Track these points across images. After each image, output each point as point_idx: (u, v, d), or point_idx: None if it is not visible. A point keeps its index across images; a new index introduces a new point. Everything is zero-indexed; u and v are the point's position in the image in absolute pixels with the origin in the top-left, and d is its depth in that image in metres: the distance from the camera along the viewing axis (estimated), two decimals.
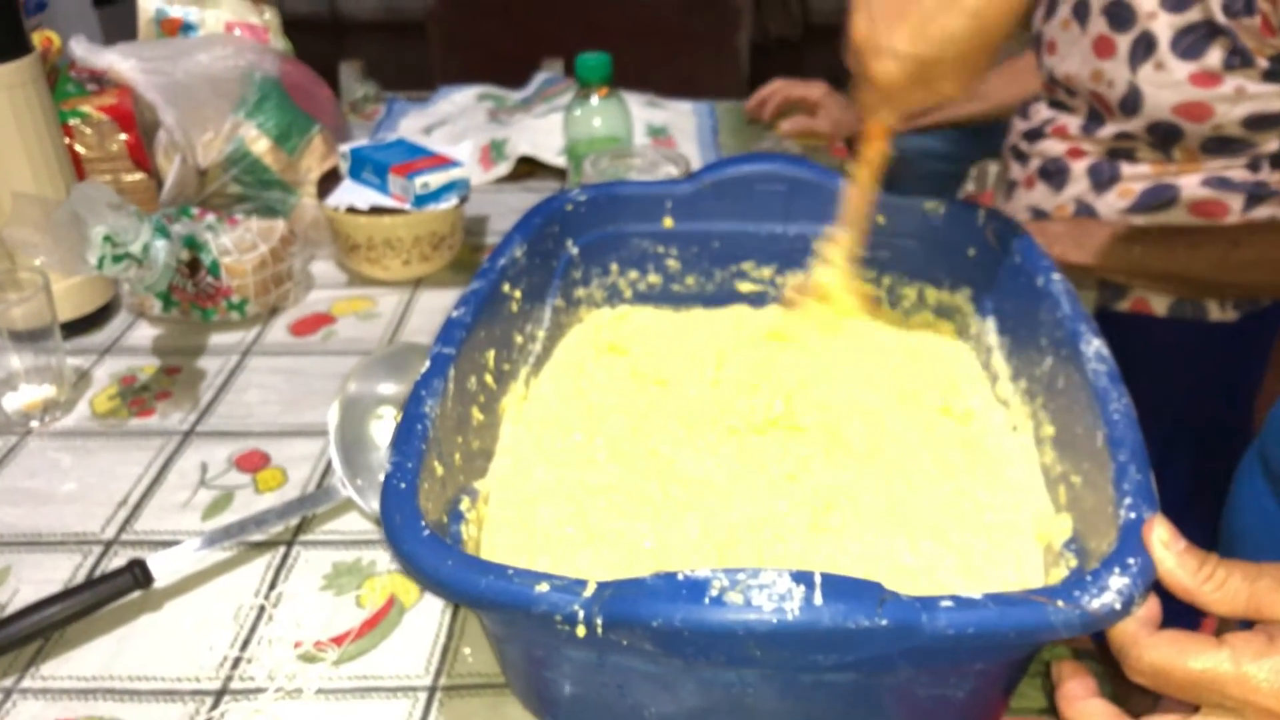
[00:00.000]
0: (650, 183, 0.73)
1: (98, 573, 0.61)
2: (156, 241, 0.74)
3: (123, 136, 0.93)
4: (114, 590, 0.56)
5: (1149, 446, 0.45)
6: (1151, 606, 0.39)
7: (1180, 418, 0.93)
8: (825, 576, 0.37)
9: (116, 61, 0.90)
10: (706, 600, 0.36)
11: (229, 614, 0.57)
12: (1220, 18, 0.81)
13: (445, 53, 2.60)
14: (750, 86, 1.33)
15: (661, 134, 1.23)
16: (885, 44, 0.53)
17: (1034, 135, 0.99)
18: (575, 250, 0.71)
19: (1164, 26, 0.84)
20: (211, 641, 0.56)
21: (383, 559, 0.61)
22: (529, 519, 0.55)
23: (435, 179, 0.89)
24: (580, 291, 0.72)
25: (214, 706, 0.52)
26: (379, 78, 1.42)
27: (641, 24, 2.51)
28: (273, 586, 0.59)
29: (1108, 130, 0.91)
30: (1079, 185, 0.95)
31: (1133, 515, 0.41)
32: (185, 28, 1.02)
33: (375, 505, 0.62)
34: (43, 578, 0.60)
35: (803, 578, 0.37)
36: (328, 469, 0.69)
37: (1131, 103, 0.87)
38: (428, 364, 0.52)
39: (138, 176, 0.94)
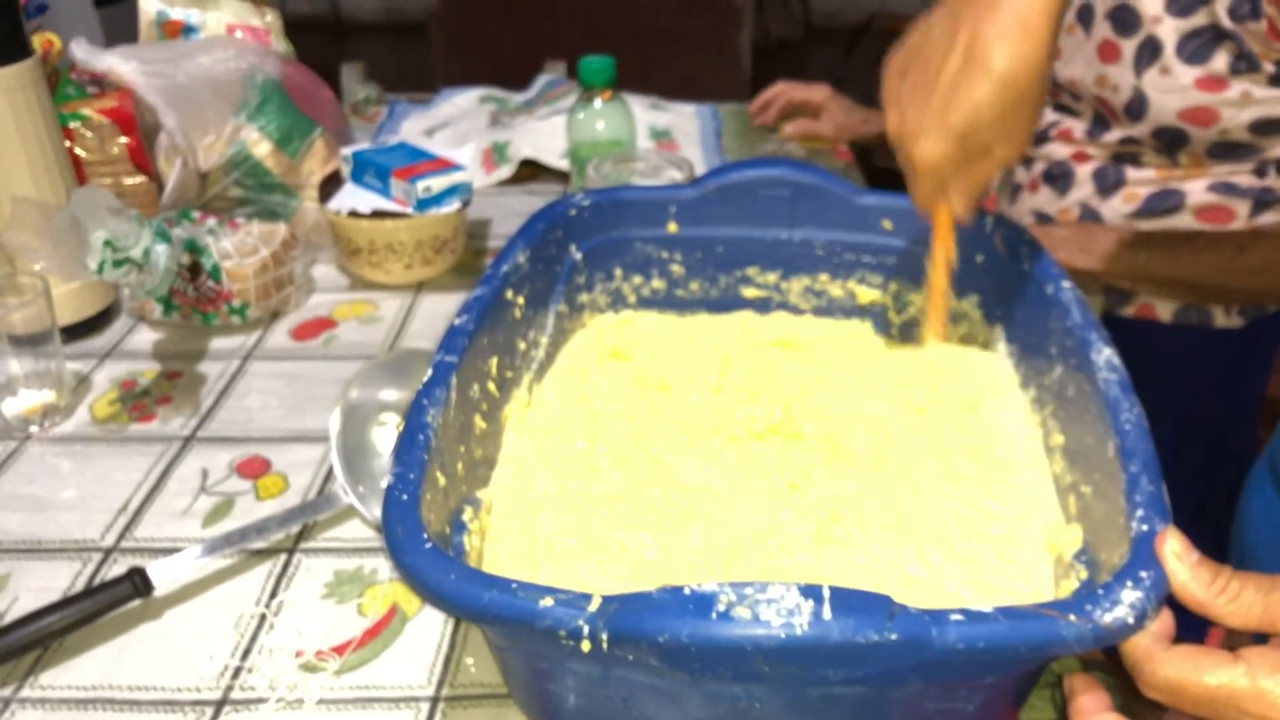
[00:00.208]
0: (654, 187, 0.72)
1: (97, 580, 0.60)
2: (157, 246, 0.73)
3: (123, 140, 0.92)
4: (114, 599, 0.55)
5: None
6: (1165, 620, 0.38)
7: (1185, 425, 0.93)
8: (834, 590, 0.36)
9: (117, 64, 0.90)
10: (713, 615, 0.36)
11: (229, 623, 0.57)
12: (1226, 22, 0.80)
13: (447, 54, 2.59)
14: (752, 87, 1.33)
15: (664, 137, 1.22)
16: (918, 127, 0.52)
17: (1038, 138, 0.99)
18: (579, 255, 0.70)
19: (1169, 31, 0.83)
20: (212, 651, 0.55)
21: (385, 567, 0.61)
22: (531, 529, 0.54)
23: (437, 183, 0.88)
24: (584, 297, 0.71)
25: (214, 717, 0.51)
26: (380, 79, 1.42)
27: (642, 25, 2.50)
28: (274, 595, 0.59)
29: (1113, 135, 0.91)
30: (1084, 189, 0.94)
31: (1145, 527, 0.40)
32: (186, 30, 1.02)
33: (377, 512, 0.62)
34: (42, 585, 0.60)
35: (811, 592, 0.36)
36: (329, 475, 0.68)
37: (1137, 108, 0.86)
38: (430, 372, 0.51)
39: (138, 180, 0.94)
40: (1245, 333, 0.94)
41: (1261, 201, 0.88)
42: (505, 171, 1.14)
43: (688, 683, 0.40)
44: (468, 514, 0.51)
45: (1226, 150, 0.86)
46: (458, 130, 1.24)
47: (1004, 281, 0.65)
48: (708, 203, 0.70)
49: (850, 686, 0.39)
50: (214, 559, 0.59)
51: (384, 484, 0.46)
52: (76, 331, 0.84)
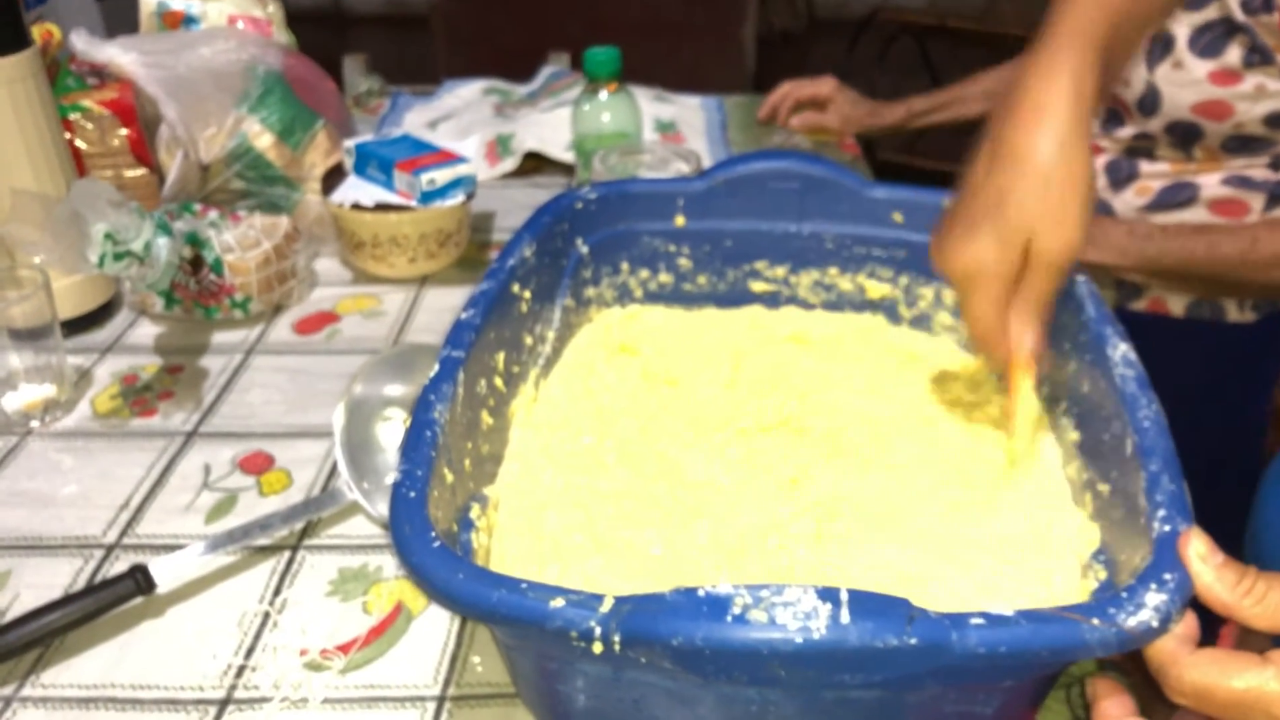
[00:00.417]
0: (662, 180, 0.71)
1: (99, 577, 0.59)
2: (158, 239, 0.72)
3: (124, 131, 0.91)
4: (115, 596, 0.54)
5: None
6: (1189, 623, 0.37)
7: (1197, 421, 0.92)
8: (852, 593, 0.35)
9: (117, 55, 0.89)
10: (728, 618, 0.35)
11: (233, 621, 0.56)
12: (1239, 15, 0.79)
13: (449, 46, 2.58)
14: (755, 80, 1.32)
15: (670, 129, 1.21)
16: (955, 235, 0.49)
17: None
18: (585, 249, 0.69)
19: (1181, 25, 0.82)
20: (215, 649, 0.54)
21: (390, 564, 0.60)
22: (538, 526, 0.53)
23: (441, 175, 0.87)
24: (590, 291, 0.71)
25: (218, 716, 0.51)
26: (383, 72, 1.41)
27: (646, 17, 2.49)
28: (277, 593, 0.58)
29: (1126, 131, 0.90)
30: (1096, 182, 0.93)
31: (1167, 528, 0.39)
32: (187, 21, 1.01)
33: (382, 509, 0.61)
34: (43, 583, 0.59)
35: (829, 594, 0.35)
36: (333, 471, 0.67)
37: (1150, 103, 0.86)
38: (436, 368, 0.51)
39: (139, 172, 0.93)
40: (1259, 327, 0.93)
41: (1276, 195, 0.87)
42: (509, 164, 1.13)
43: (700, 685, 0.40)
44: (475, 511, 0.50)
45: (1241, 144, 0.85)
46: (461, 122, 1.23)
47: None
48: (716, 195, 0.69)
49: (867, 690, 0.38)
50: (217, 556, 0.58)
51: (390, 480, 0.45)
52: (77, 325, 0.83)
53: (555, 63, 1.43)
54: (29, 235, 0.64)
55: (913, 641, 0.35)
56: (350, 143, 0.92)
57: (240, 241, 0.82)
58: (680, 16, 2.60)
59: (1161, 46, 0.84)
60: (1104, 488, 0.48)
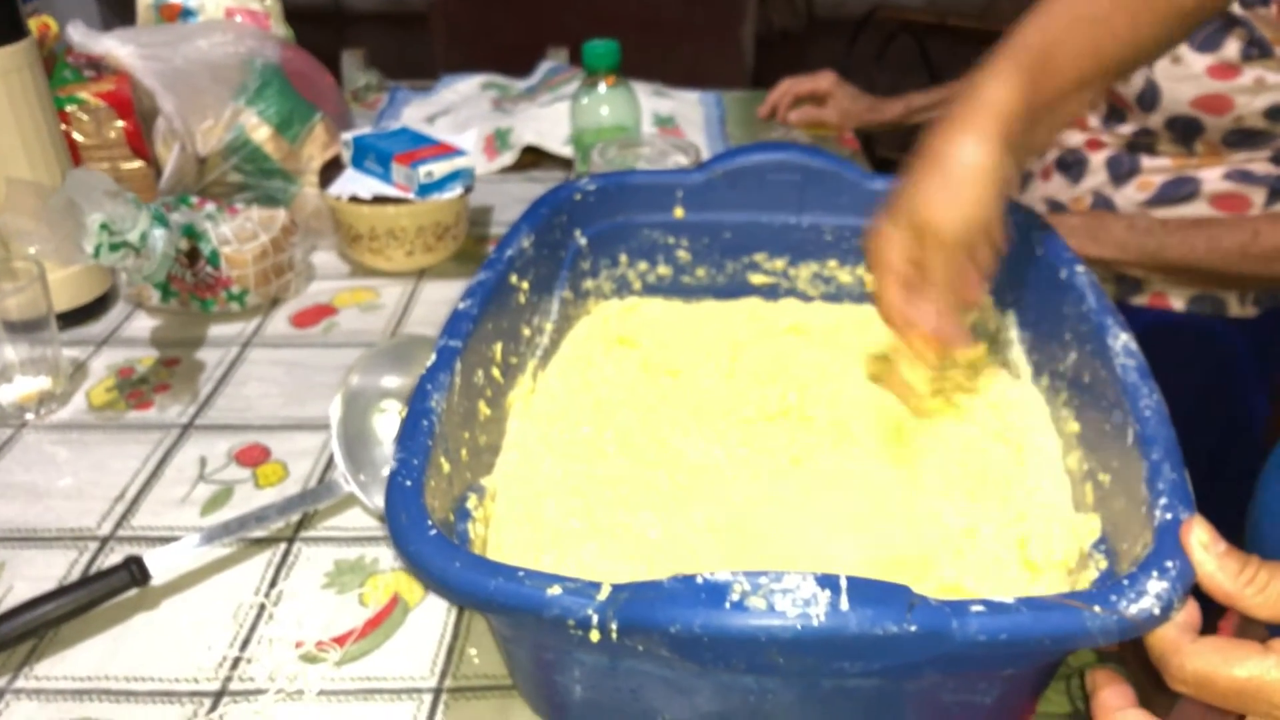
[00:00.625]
0: (661, 172, 0.71)
1: (93, 569, 0.59)
2: (155, 230, 0.72)
3: (120, 124, 0.91)
4: (110, 588, 0.54)
5: None
6: (1191, 611, 0.37)
7: (1198, 416, 0.92)
8: (851, 580, 0.35)
9: (114, 47, 0.88)
10: (727, 605, 0.35)
11: (228, 613, 0.56)
12: (1236, 8, 0.79)
13: (448, 44, 2.58)
14: (755, 79, 1.31)
15: (669, 124, 1.21)
16: (876, 228, 0.52)
17: None
18: (584, 241, 0.69)
19: None
20: (210, 641, 0.54)
21: (386, 556, 0.60)
22: (536, 515, 0.53)
23: (439, 168, 0.87)
24: (589, 283, 0.70)
25: (212, 708, 0.50)
26: (382, 69, 1.40)
27: (645, 14, 2.48)
28: (273, 584, 0.58)
29: (1127, 127, 0.90)
30: (1097, 177, 0.93)
31: (1169, 516, 0.39)
32: (184, 13, 1.01)
33: (378, 501, 0.61)
34: (37, 574, 0.59)
35: (828, 581, 0.35)
36: (329, 464, 0.67)
37: (1149, 98, 0.85)
38: (433, 358, 0.50)
39: (136, 164, 0.93)
40: (1260, 323, 0.92)
41: (1278, 189, 0.87)
42: (507, 158, 1.12)
43: (698, 674, 0.39)
44: (472, 502, 0.50)
45: (1242, 138, 0.85)
46: (459, 117, 1.23)
47: (1016, 267, 0.63)
48: (715, 187, 0.69)
49: (866, 679, 0.38)
50: (212, 548, 0.58)
51: (386, 471, 0.45)
52: (73, 318, 0.82)
53: (554, 58, 1.43)
54: (24, 225, 0.63)
55: (913, 629, 0.34)
56: (348, 135, 0.91)
57: (237, 234, 0.82)
58: (679, 14, 2.60)
59: None
60: (1105, 477, 0.48)
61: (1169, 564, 0.37)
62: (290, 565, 0.59)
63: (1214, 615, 0.40)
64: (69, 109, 0.89)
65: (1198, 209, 0.89)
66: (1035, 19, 0.52)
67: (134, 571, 0.55)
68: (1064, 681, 0.50)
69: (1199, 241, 0.86)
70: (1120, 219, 0.90)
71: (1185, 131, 0.86)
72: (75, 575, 0.59)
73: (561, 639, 0.39)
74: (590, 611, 0.36)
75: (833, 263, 0.71)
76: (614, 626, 0.36)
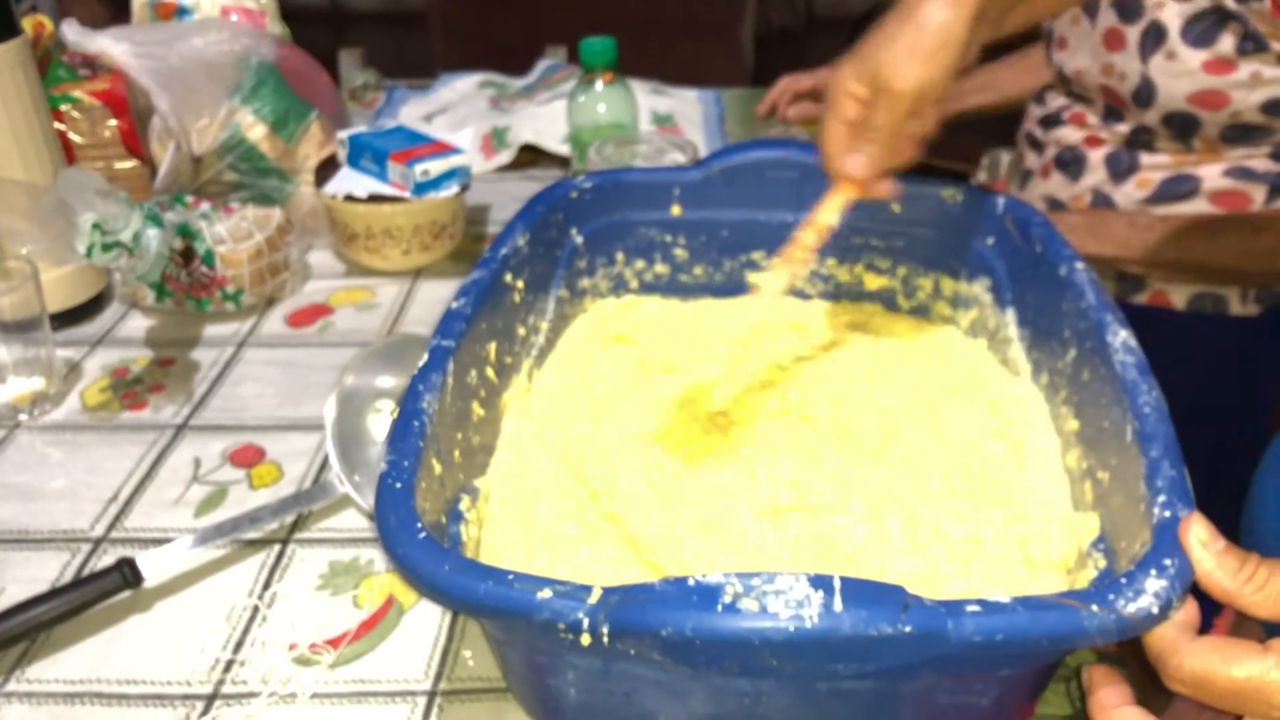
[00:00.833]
0: (657, 170, 0.71)
1: (86, 571, 0.59)
2: (148, 230, 0.72)
3: (114, 122, 0.90)
4: (102, 590, 0.54)
5: None
6: (1190, 610, 0.36)
7: (1198, 414, 0.91)
8: (845, 581, 0.35)
9: (109, 46, 0.88)
10: (719, 607, 0.34)
11: (221, 615, 0.56)
12: (1230, 3, 0.79)
13: (447, 43, 2.57)
14: (754, 78, 1.31)
15: (667, 122, 1.21)
16: (842, 67, 0.52)
17: (1050, 122, 0.97)
18: (580, 239, 0.68)
19: (1173, 15, 0.82)
20: (203, 643, 0.54)
21: (380, 558, 0.59)
22: (528, 516, 0.53)
23: (435, 166, 0.87)
24: (585, 282, 0.70)
25: (205, 711, 0.50)
26: (380, 69, 1.40)
27: (644, 13, 2.48)
28: (267, 586, 0.58)
29: (1125, 125, 0.89)
30: (1096, 175, 0.93)
31: (1167, 514, 0.39)
32: (180, 12, 1.00)
33: (373, 502, 0.60)
34: (30, 576, 0.58)
35: (821, 582, 0.35)
36: (324, 464, 0.67)
37: (1145, 95, 0.85)
38: (426, 357, 0.50)
39: (131, 164, 0.92)
40: (1261, 321, 0.92)
41: (1278, 186, 0.87)
42: (505, 157, 1.12)
43: (692, 677, 0.39)
44: (465, 503, 0.49)
45: (1240, 133, 0.85)
46: (456, 115, 1.22)
47: (1015, 264, 0.63)
48: (712, 185, 0.69)
49: (861, 680, 0.38)
50: (206, 549, 0.58)
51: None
52: (68, 318, 0.82)
53: (552, 56, 1.43)
54: (15, 225, 0.63)
55: (907, 630, 0.34)
56: (344, 134, 0.91)
57: (232, 233, 0.81)
58: (679, 13, 2.59)
59: (1154, 37, 0.83)
60: (1103, 475, 0.47)
61: (1167, 562, 0.36)
62: (284, 567, 0.59)
63: (1211, 613, 0.40)
64: (63, 108, 0.89)
65: (1197, 206, 0.88)
66: None
67: (126, 573, 0.54)
68: (1063, 683, 0.49)
69: (1200, 238, 0.85)
70: (1120, 216, 0.90)
71: (1182, 128, 0.86)
72: (68, 577, 0.58)
73: (553, 642, 0.39)
74: (581, 615, 0.36)
75: (831, 261, 0.70)
76: (605, 630, 0.36)
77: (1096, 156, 0.93)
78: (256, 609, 0.56)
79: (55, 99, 0.89)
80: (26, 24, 0.92)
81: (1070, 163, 0.95)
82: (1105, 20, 0.87)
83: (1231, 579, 0.36)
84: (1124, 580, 0.36)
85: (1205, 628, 0.38)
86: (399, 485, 0.42)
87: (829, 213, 0.55)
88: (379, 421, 0.64)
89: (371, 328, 0.83)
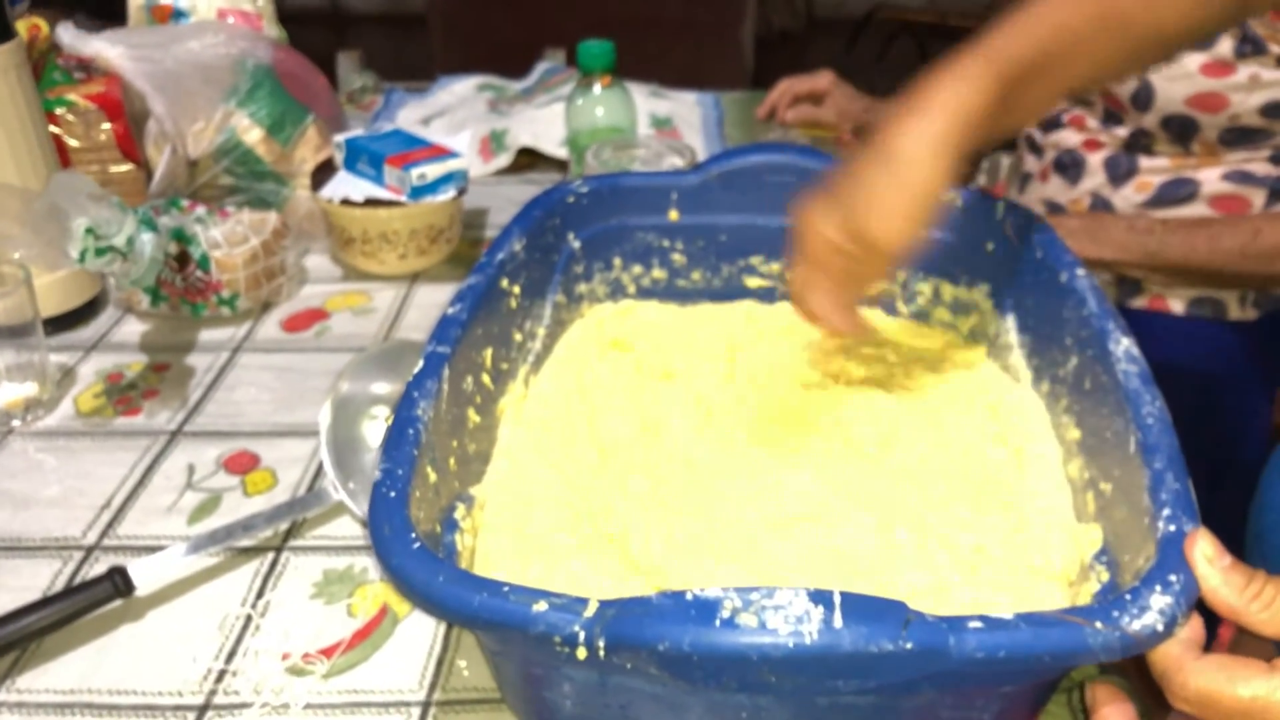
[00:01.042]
0: (655, 174, 0.70)
1: (78, 580, 0.58)
2: (143, 234, 0.71)
3: (109, 126, 0.90)
4: (93, 599, 0.53)
5: None
6: (1195, 627, 0.36)
7: (1198, 420, 0.91)
8: (845, 596, 0.34)
9: (104, 48, 0.87)
10: (717, 622, 0.34)
11: (214, 624, 0.55)
12: None
13: (446, 45, 2.57)
14: (754, 80, 1.30)
15: (666, 125, 1.20)
16: (816, 210, 0.50)
17: (1050, 125, 0.96)
18: (577, 244, 0.68)
19: None
20: (195, 653, 0.53)
21: (375, 566, 0.59)
22: (526, 525, 0.52)
23: (432, 170, 0.86)
24: (582, 287, 0.69)
25: None
26: (380, 71, 1.39)
27: (644, 15, 2.47)
28: (260, 595, 0.57)
29: (1124, 128, 0.89)
30: (1095, 178, 0.92)
31: (1172, 528, 0.38)
32: (176, 14, 1.00)
33: (367, 509, 0.60)
34: (21, 585, 0.58)
35: (821, 597, 0.34)
36: (319, 471, 0.66)
37: (1143, 98, 0.84)
38: (421, 364, 0.49)
39: (126, 167, 0.92)
40: (1260, 325, 0.91)
41: (1278, 190, 0.86)
42: (503, 160, 1.11)
43: (689, 691, 0.38)
44: (460, 512, 0.49)
45: (1239, 136, 0.84)
46: (455, 118, 1.22)
47: (1015, 270, 0.62)
48: (710, 189, 0.68)
49: (861, 696, 0.37)
50: (199, 557, 0.57)
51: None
52: (62, 323, 0.81)
53: (551, 59, 1.42)
54: (8, 229, 0.62)
55: (908, 646, 0.33)
56: (340, 137, 0.90)
57: (228, 238, 0.81)
58: (679, 15, 2.59)
59: None
60: (1106, 486, 0.47)
61: (1172, 578, 0.36)
62: (278, 575, 0.58)
63: (1214, 626, 0.39)
64: (58, 111, 0.89)
65: (1197, 210, 0.88)
66: (1016, 28, 0.50)
67: (118, 582, 0.54)
68: (1065, 694, 0.49)
69: (1199, 241, 0.85)
70: (1120, 220, 0.89)
71: (1181, 131, 0.85)
72: (60, 585, 0.58)
73: (549, 655, 0.38)
74: (577, 628, 0.35)
75: None
76: (601, 644, 0.35)
77: (1095, 160, 0.92)
78: (249, 618, 0.55)
79: (50, 102, 0.88)
80: (22, 26, 0.92)
81: (1069, 166, 0.94)
82: None
83: (1237, 596, 0.36)
84: (1128, 596, 0.35)
85: (1209, 635, 0.37)
86: (393, 494, 0.42)
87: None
88: (374, 428, 0.63)
89: (368, 332, 0.83)
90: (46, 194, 0.63)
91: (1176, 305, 0.92)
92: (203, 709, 0.50)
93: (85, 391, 0.75)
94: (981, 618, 0.34)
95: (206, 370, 0.77)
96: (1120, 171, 0.91)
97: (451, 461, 0.50)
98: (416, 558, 0.39)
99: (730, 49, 2.63)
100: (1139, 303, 0.94)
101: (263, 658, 0.53)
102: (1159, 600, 0.35)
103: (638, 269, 0.71)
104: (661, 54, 2.05)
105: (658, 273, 0.71)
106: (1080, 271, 0.56)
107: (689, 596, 0.35)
